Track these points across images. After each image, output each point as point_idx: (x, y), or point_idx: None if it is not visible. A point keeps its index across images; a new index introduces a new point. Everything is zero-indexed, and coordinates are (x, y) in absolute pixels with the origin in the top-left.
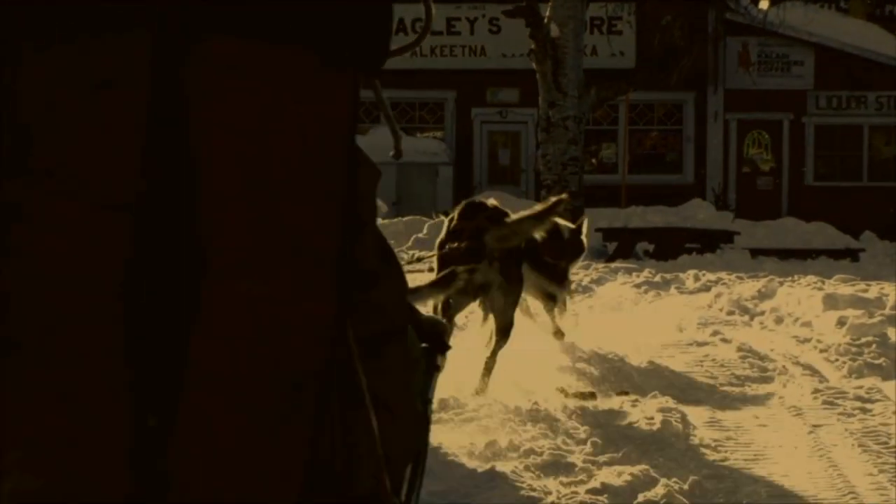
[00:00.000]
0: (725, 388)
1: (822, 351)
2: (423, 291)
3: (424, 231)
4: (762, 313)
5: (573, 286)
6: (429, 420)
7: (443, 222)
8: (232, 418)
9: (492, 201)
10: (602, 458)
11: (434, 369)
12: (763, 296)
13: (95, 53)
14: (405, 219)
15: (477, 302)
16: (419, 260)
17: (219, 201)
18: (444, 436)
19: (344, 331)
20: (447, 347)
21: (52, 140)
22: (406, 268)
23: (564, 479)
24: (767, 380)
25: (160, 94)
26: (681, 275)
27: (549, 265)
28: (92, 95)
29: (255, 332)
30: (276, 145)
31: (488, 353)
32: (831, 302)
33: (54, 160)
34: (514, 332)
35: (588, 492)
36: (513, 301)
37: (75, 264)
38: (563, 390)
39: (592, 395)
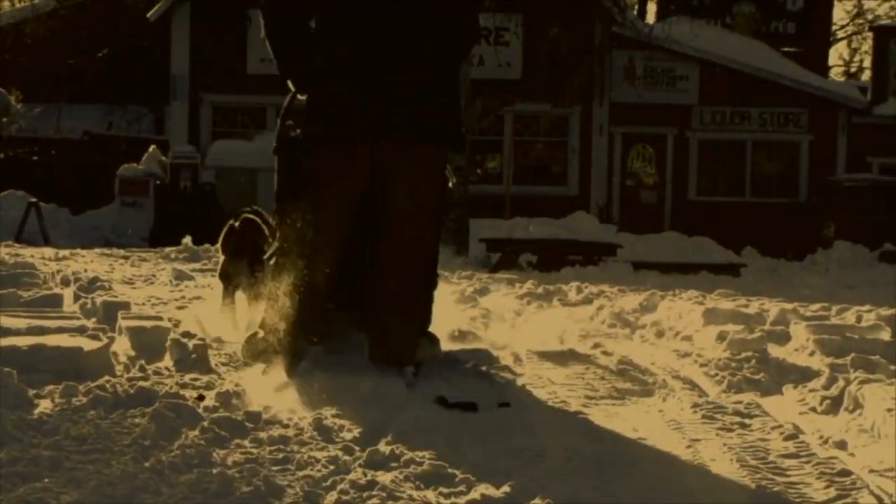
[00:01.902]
0: (606, 401)
1: (702, 365)
2: None
3: None
4: (643, 326)
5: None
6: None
7: None
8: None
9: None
10: (482, 470)
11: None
12: (644, 309)
13: (350, 151)
14: None
15: None
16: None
17: (400, 203)
18: (323, 451)
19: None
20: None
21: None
22: None
23: (444, 490)
24: (647, 393)
25: (377, 165)
26: (563, 287)
27: None
28: (346, 167)
29: (405, 230)
30: (411, 185)
31: None
32: (712, 317)
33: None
34: None
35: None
36: None
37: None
38: (442, 400)
39: (473, 406)
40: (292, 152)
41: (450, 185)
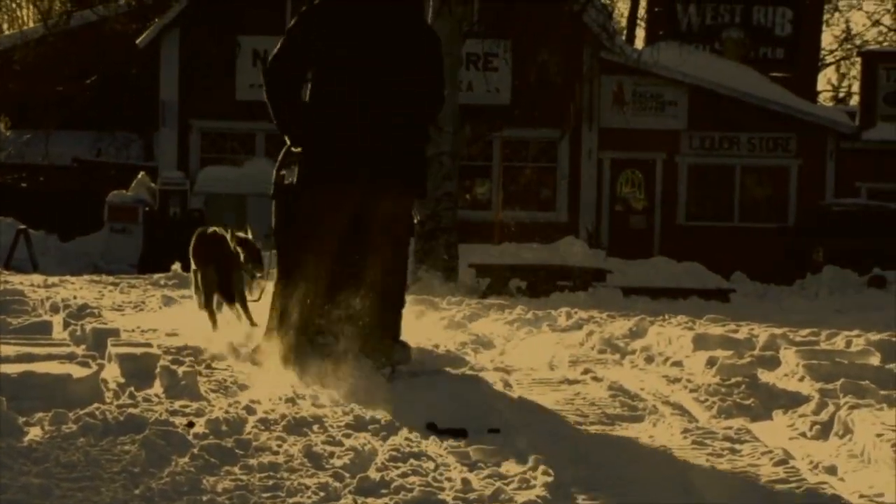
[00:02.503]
0: (595, 427)
1: (692, 391)
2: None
3: None
4: (633, 352)
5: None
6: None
7: None
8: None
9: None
10: (472, 496)
11: None
12: (634, 335)
13: (341, 192)
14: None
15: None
16: None
17: (377, 230)
18: (313, 478)
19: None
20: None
21: (317, 221)
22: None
23: None
24: (637, 419)
25: (360, 205)
26: (553, 312)
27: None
28: (337, 205)
29: (382, 254)
30: (387, 219)
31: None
32: (701, 342)
33: (315, 225)
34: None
35: None
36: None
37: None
38: (433, 426)
39: (463, 433)
40: (286, 197)
41: (415, 221)
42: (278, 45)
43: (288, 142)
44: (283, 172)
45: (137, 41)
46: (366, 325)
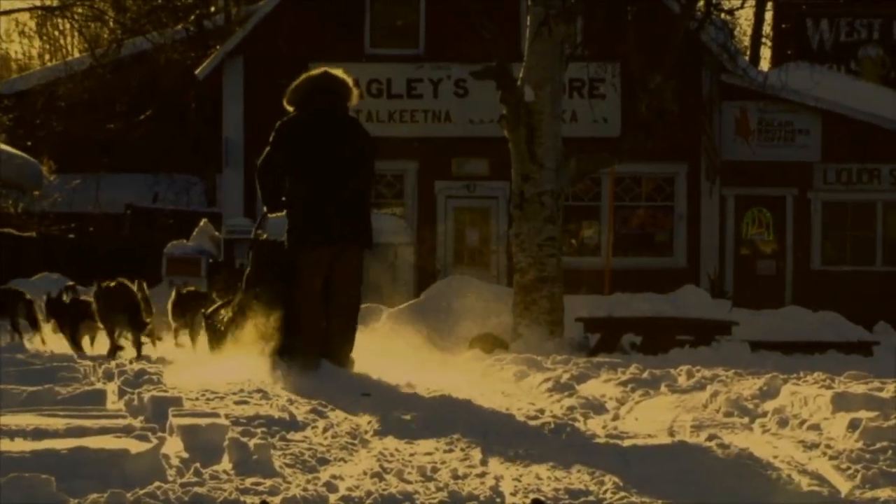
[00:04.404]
0: (723, 501)
1: (831, 458)
2: None
3: (382, 319)
4: (764, 414)
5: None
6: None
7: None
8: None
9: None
10: None
11: None
12: (765, 395)
13: (322, 250)
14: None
15: None
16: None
17: (342, 275)
18: None
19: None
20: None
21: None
22: None
23: None
24: (770, 491)
25: (334, 255)
26: (672, 371)
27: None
28: (320, 258)
29: (347, 292)
30: (349, 267)
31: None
32: (842, 402)
33: (308, 276)
34: None
35: None
36: None
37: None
38: (539, 503)
39: None
40: (261, 251)
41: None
42: (266, 151)
43: (265, 210)
44: (259, 231)
45: (197, 72)
46: (334, 340)
